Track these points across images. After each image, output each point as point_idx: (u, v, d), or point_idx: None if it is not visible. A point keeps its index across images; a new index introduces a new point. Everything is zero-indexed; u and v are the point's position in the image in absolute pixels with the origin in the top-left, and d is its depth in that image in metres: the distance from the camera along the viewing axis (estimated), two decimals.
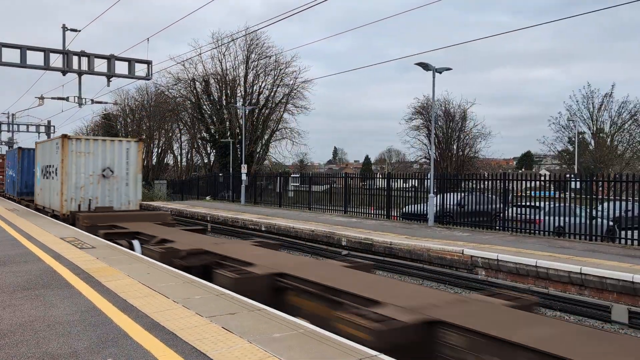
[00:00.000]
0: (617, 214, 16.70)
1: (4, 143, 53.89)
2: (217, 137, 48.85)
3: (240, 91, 48.38)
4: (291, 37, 71.48)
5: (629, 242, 15.06)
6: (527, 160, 79.95)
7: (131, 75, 21.24)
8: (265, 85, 48.28)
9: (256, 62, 47.06)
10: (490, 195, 19.36)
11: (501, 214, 18.47)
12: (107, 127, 57.66)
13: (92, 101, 29.28)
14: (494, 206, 18.96)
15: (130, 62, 21.10)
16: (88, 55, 20.31)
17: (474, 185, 20.08)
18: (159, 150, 60.12)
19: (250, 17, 74.66)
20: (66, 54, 19.93)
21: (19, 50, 18.75)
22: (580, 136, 43.85)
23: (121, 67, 21.12)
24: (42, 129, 49.86)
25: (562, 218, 16.70)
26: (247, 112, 40.66)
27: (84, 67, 20.34)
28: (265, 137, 49.81)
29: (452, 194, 20.64)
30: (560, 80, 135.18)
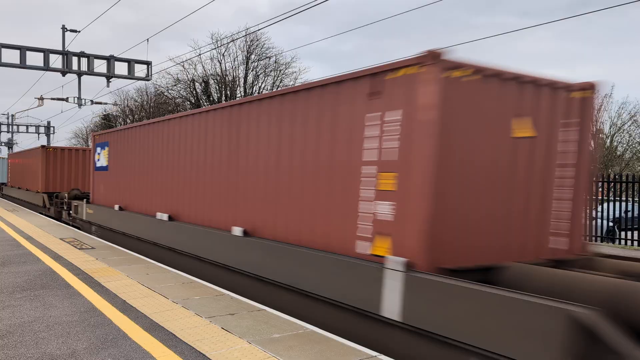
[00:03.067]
0: (617, 215, 16.70)
1: (3, 144, 53.91)
2: None
3: (240, 92, 48.41)
4: (298, 38, 71.23)
5: (629, 242, 15.06)
6: None
7: (131, 75, 21.23)
8: (265, 86, 48.31)
9: (256, 63, 47.14)
10: None
11: None
12: (107, 127, 57.71)
13: (92, 102, 29.26)
14: None
15: (130, 62, 21.09)
16: (88, 56, 20.31)
17: None
18: None
19: (258, 17, 74.36)
20: (66, 54, 19.92)
21: (18, 51, 18.74)
22: None
23: (121, 68, 21.14)
24: (42, 129, 49.88)
25: None
26: None
27: (84, 67, 20.33)
28: None
29: None
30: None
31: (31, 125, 49.99)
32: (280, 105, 7.26)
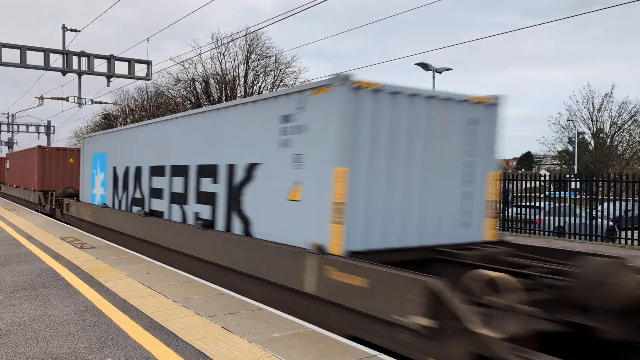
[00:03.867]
0: (617, 214, 16.71)
1: (3, 143, 53.89)
2: None
3: (240, 91, 48.39)
4: (299, 37, 70.98)
5: (629, 242, 15.06)
6: (527, 160, 79.88)
7: (131, 75, 21.23)
8: (265, 85, 48.28)
9: (256, 63, 47.10)
10: None
11: (500, 214, 18.47)
12: (107, 127, 57.69)
13: (92, 101, 29.29)
14: None
15: (130, 62, 21.09)
16: (88, 56, 20.30)
17: None
18: None
19: (262, 16, 74.04)
20: (66, 54, 19.92)
21: (19, 51, 18.74)
22: (580, 136, 43.74)
23: (121, 67, 21.13)
24: (42, 129, 49.87)
25: (562, 218, 16.69)
26: None
27: (84, 67, 20.33)
28: None
29: None
30: (566, 81, 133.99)
31: (31, 125, 50.01)
32: (32, 154, 25.39)
